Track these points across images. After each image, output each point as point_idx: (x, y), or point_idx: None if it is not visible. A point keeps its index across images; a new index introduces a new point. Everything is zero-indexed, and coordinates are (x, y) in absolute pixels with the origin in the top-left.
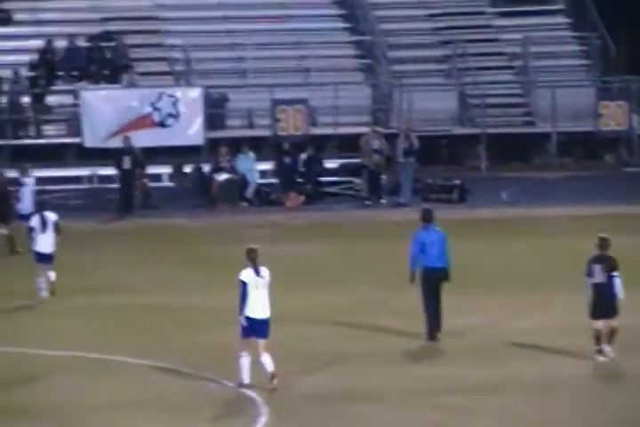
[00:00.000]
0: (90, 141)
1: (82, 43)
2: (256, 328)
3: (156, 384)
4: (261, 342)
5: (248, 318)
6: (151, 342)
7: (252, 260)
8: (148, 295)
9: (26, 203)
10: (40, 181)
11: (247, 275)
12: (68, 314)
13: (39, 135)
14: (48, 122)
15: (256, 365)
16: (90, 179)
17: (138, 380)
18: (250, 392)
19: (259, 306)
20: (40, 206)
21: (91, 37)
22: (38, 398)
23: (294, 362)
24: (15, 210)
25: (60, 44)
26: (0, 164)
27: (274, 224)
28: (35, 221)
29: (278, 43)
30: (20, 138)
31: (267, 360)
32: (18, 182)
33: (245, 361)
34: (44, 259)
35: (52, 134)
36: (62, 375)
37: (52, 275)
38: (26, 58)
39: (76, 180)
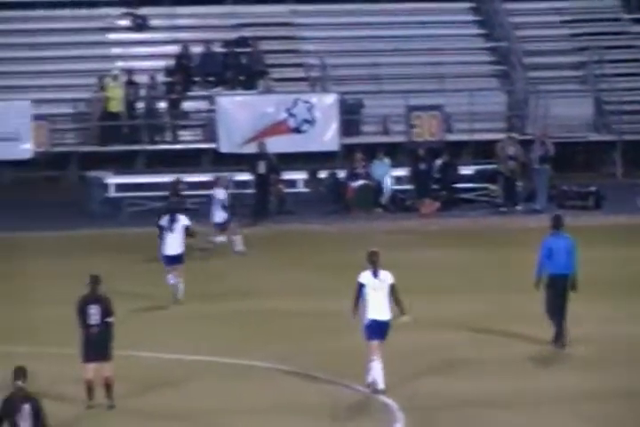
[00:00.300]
0: (225, 147)
1: (217, 48)
2: (378, 330)
3: (289, 389)
4: (379, 343)
5: (373, 321)
6: (284, 346)
7: (373, 262)
8: (282, 300)
9: (218, 211)
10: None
11: (366, 277)
12: (201, 319)
13: (175, 141)
14: (184, 127)
15: (389, 370)
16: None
17: (271, 384)
18: (385, 398)
19: (380, 308)
20: (172, 208)
21: (226, 43)
22: (174, 403)
23: (428, 368)
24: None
25: (196, 49)
26: (136, 169)
27: (408, 230)
28: (164, 221)
29: (413, 49)
30: (156, 143)
31: (379, 367)
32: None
33: (376, 365)
34: (173, 261)
35: (188, 140)
36: (197, 380)
37: (181, 282)
38: (162, 64)
39: (211, 185)
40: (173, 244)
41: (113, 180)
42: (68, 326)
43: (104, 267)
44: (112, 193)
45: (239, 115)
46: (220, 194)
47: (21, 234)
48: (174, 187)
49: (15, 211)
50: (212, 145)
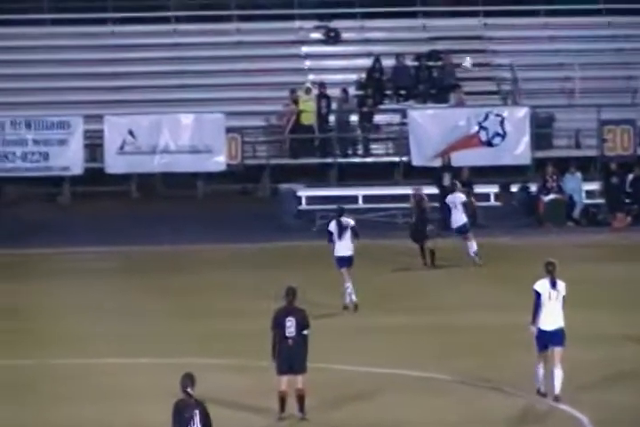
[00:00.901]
0: (417, 160)
1: (409, 62)
2: (550, 339)
3: (477, 402)
4: (557, 350)
5: (540, 331)
6: (472, 360)
7: (550, 272)
8: (470, 313)
9: (457, 216)
10: (367, 199)
11: (542, 285)
12: (390, 332)
13: (367, 154)
14: (375, 140)
15: (577, 382)
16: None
17: (458, 398)
18: (575, 412)
19: (550, 318)
20: (338, 212)
21: (418, 56)
22: (365, 416)
23: (616, 380)
24: (448, 223)
25: (388, 62)
26: (328, 182)
27: (600, 244)
28: (332, 227)
29: (605, 63)
30: (347, 156)
31: (558, 375)
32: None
33: (540, 371)
34: (345, 262)
35: (380, 153)
36: (387, 393)
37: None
38: (354, 77)
39: (403, 198)
40: (344, 246)
41: (305, 192)
42: (263, 339)
43: (296, 279)
44: (304, 205)
45: (430, 128)
46: (461, 198)
47: (215, 246)
48: (417, 201)
49: (209, 223)
50: (404, 158)
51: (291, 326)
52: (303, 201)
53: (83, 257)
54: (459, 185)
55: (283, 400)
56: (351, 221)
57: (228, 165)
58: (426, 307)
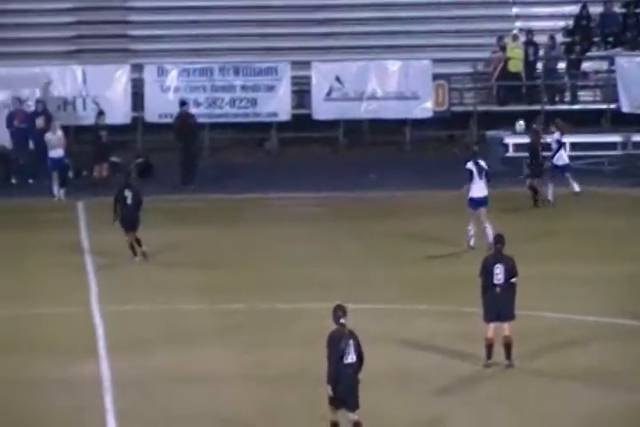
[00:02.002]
0: (626, 107)
1: (617, 8)
2: None
3: None
4: None
5: None
6: None
7: None
8: None
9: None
10: (574, 146)
11: None
12: (593, 280)
13: (574, 101)
14: (583, 88)
15: None
16: (624, 145)
17: None
18: None
19: None
20: (474, 153)
21: (626, 3)
22: (573, 364)
23: None
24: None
25: (595, 9)
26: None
27: None
28: (471, 165)
29: None
30: (555, 103)
31: None
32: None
33: None
34: (481, 203)
35: (587, 100)
36: (595, 341)
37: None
38: (561, 24)
39: (611, 146)
40: (481, 187)
41: (512, 139)
42: (470, 285)
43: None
44: (511, 153)
45: (638, 75)
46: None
47: (421, 193)
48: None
49: (415, 169)
50: (612, 105)
51: (499, 273)
52: (510, 148)
53: (289, 202)
54: None
55: (490, 347)
56: (484, 163)
57: (435, 112)
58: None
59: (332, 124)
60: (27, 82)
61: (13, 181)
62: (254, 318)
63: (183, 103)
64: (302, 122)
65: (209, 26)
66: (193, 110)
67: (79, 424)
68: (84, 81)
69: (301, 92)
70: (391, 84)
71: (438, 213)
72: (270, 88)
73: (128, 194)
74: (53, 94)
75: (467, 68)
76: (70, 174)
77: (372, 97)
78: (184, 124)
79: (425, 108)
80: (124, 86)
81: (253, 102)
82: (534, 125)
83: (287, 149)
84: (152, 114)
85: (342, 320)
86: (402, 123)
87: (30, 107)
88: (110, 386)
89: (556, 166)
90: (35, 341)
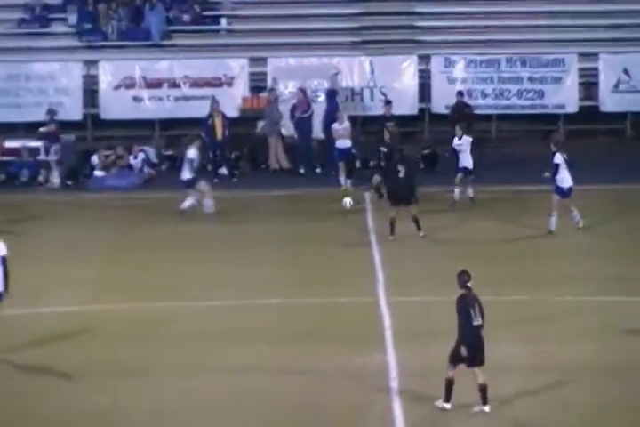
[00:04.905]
0: None
1: None
2: None
3: None
4: None
5: None
6: None
7: None
8: None
9: None
10: None
11: None
12: None
13: None
14: None
15: None
16: None
17: None
18: None
19: None
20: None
21: None
22: None
23: None
24: None
25: None
26: None
27: None
28: (559, 159)
29: None
30: None
31: None
32: None
33: None
34: (567, 193)
35: None
36: None
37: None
38: None
39: None
40: (569, 177)
41: None
42: None
43: None
44: None
45: None
46: None
47: None
48: None
49: None
50: None
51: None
52: None
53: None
54: None
55: None
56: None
57: None
58: None
59: (619, 116)
60: (315, 73)
61: (301, 170)
62: (538, 311)
63: (460, 93)
64: (589, 114)
65: (497, 18)
66: (480, 102)
67: (365, 412)
68: (372, 72)
69: (588, 84)
70: None
71: None
72: (557, 80)
73: (401, 168)
74: (341, 85)
75: None
76: (357, 164)
77: None
78: (460, 114)
79: None
80: (411, 77)
81: (540, 94)
82: None
83: (574, 141)
84: (439, 105)
85: (469, 284)
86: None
87: (318, 97)
88: (396, 376)
89: None
90: (322, 330)
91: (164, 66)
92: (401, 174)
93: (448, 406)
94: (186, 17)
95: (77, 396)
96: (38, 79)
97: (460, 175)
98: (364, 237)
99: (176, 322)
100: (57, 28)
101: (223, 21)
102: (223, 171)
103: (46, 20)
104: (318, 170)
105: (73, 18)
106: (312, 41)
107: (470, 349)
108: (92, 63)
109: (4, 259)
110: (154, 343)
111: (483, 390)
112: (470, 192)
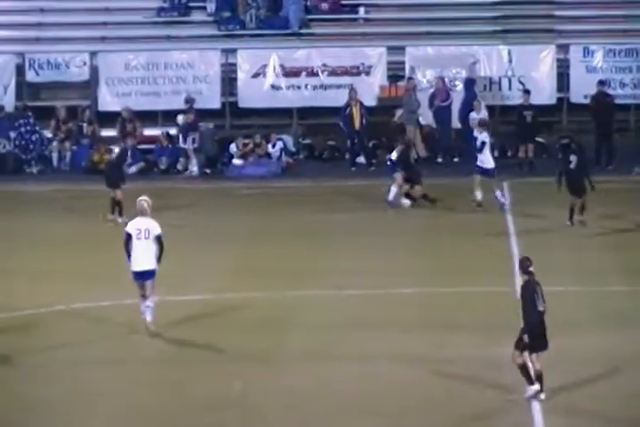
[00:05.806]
0: None
1: None
2: None
3: None
4: None
5: None
6: None
7: None
8: None
9: None
10: None
11: None
12: None
13: None
14: None
15: None
16: None
17: None
18: None
19: None
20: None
21: None
22: None
23: None
24: None
25: None
26: None
27: None
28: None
29: None
30: None
31: None
32: None
33: None
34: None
35: None
36: None
37: None
38: None
39: None
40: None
41: None
42: None
43: None
44: None
45: None
46: None
47: None
48: None
49: None
50: None
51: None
52: None
53: None
54: None
55: None
56: None
57: None
58: None
59: None
60: (454, 61)
61: (439, 159)
62: None
63: (601, 83)
64: None
65: (636, 7)
66: (619, 91)
67: (501, 403)
68: (510, 61)
69: None
70: None
71: None
72: None
73: (573, 159)
74: (479, 74)
75: None
76: (495, 154)
77: None
78: (600, 104)
79: None
80: (550, 67)
81: None
82: None
83: None
84: (577, 95)
85: (531, 269)
86: None
87: (456, 86)
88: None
89: None
90: (458, 319)
91: (301, 54)
92: (572, 165)
93: (536, 387)
94: (324, 5)
95: (212, 381)
96: (177, 67)
97: None
98: (502, 227)
99: (312, 310)
100: (196, 16)
101: (361, 10)
102: (361, 159)
103: (185, 9)
104: (456, 159)
105: (212, 6)
106: (450, 30)
107: (533, 334)
108: (230, 51)
109: (160, 237)
110: (290, 331)
111: (539, 377)
112: None
